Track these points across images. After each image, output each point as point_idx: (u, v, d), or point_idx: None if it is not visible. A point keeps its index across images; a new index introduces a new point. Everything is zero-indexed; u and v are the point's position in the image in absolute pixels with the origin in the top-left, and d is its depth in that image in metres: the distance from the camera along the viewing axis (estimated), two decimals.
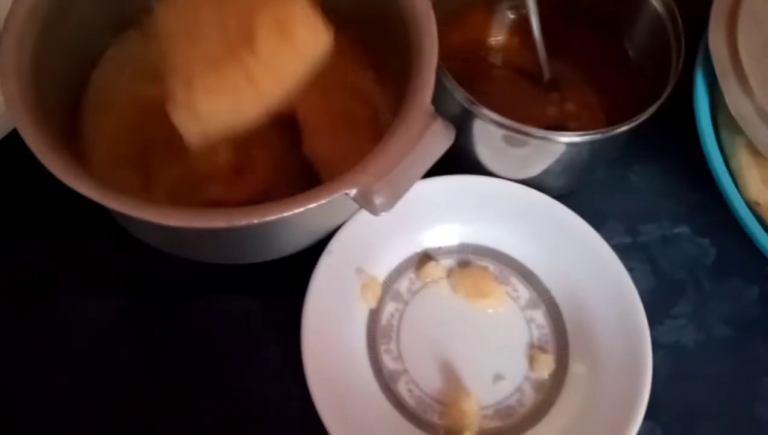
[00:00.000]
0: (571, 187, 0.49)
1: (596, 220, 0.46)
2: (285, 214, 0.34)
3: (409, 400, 0.43)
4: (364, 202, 0.35)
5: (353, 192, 0.35)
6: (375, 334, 0.45)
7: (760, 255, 0.44)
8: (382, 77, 0.47)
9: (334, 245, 0.44)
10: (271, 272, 0.45)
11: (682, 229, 0.50)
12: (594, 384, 0.42)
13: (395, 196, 0.36)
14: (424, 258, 0.47)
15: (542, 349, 0.44)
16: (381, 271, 0.46)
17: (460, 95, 0.42)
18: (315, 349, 0.41)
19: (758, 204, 0.45)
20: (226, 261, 0.44)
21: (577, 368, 0.44)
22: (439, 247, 0.48)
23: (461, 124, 0.43)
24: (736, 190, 0.45)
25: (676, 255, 0.49)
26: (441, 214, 0.47)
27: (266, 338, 0.44)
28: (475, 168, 0.48)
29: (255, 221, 0.34)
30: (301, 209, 0.35)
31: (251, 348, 0.44)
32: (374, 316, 0.45)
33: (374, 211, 0.36)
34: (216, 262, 0.44)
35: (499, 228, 0.47)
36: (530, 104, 0.49)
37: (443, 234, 0.47)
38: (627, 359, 0.42)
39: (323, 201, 0.35)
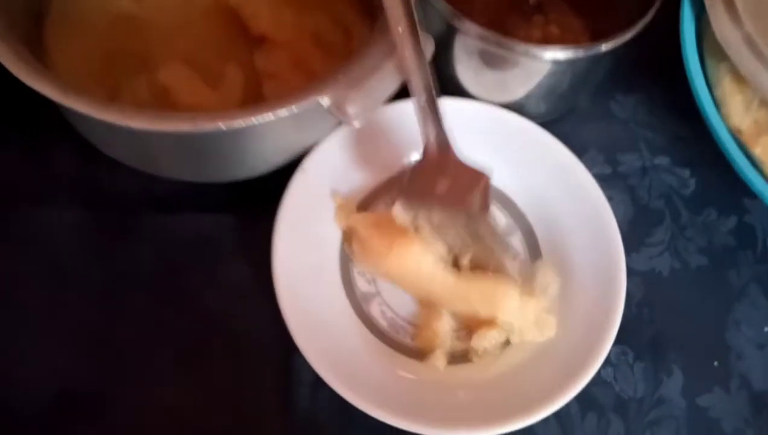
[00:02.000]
0: (552, 115, 0.48)
1: (577, 150, 0.45)
2: (254, 121, 0.33)
3: (382, 321, 0.42)
4: (338, 110, 0.34)
5: (326, 100, 0.34)
6: (348, 255, 0.44)
7: (738, 186, 0.44)
8: (367, 11, 0.45)
9: (308, 164, 0.43)
10: (243, 192, 0.44)
11: (663, 160, 0.50)
12: (567, 308, 0.42)
13: (370, 105, 0.35)
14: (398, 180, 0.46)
15: None
16: (356, 193, 0.45)
17: (442, 6, 0.40)
18: (286, 268, 0.40)
19: (740, 132, 0.44)
20: (193, 177, 0.43)
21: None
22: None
23: (443, 44, 0.42)
24: (719, 117, 0.44)
25: (655, 185, 0.48)
26: (419, 137, 0.46)
27: (235, 258, 0.43)
28: (456, 91, 0.46)
29: (222, 126, 0.33)
30: (272, 117, 0.33)
31: (219, 267, 0.43)
32: (348, 239, 0.44)
33: (348, 120, 0.34)
34: (183, 178, 0.43)
35: (478, 152, 0.46)
36: (514, 26, 0.48)
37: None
38: (601, 284, 0.41)
39: (295, 108, 0.33)
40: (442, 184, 0.38)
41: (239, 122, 0.33)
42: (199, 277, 0.42)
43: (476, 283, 0.41)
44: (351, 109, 0.34)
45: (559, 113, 0.49)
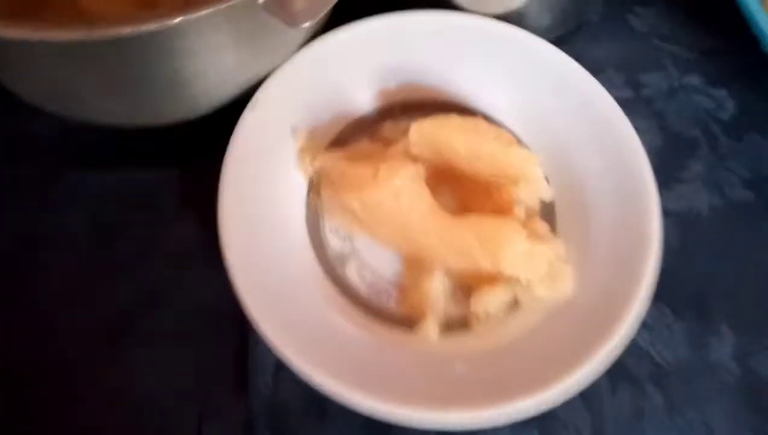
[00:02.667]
0: (559, 31, 0.40)
1: (591, 71, 0.37)
2: (169, 22, 0.25)
3: (361, 286, 0.34)
4: (278, 7, 0.26)
5: None
6: (317, 209, 0.36)
7: None
8: None
9: (261, 96, 0.35)
10: (185, 139, 0.36)
11: (693, 79, 0.41)
12: (585, 264, 0.34)
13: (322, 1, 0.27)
14: (379, 117, 0.38)
15: None
16: (325, 132, 0.37)
17: None
18: (238, 229, 0.32)
19: None
20: (125, 119, 0.34)
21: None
22: (398, 103, 0.38)
23: None
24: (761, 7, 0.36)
25: (685, 109, 0.40)
26: (399, 61, 0.38)
27: (178, 219, 0.35)
28: (443, 3, 0.38)
29: (127, 31, 0.25)
30: (192, 15, 0.25)
31: (158, 230, 0.35)
32: (316, 188, 0.36)
33: (293, 21, 0.26)
34: (113, 122, 0.35)
35: (471, 78, 0.38)
36: None
37: (402, 87, 0.38)
38: (627, 226, 0.33)
39: (221, 4, 0.25)
40: None
41: (150, 25, 0.25)
42: (133, 243, 0.35)
43: (474, 224, 0.33)
44: (298, 4, 0.26)
45: (566, 28, 0.41)
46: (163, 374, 0.32)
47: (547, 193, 0.35)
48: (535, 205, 0.35)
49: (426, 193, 0.33)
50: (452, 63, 0.38)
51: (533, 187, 0.34)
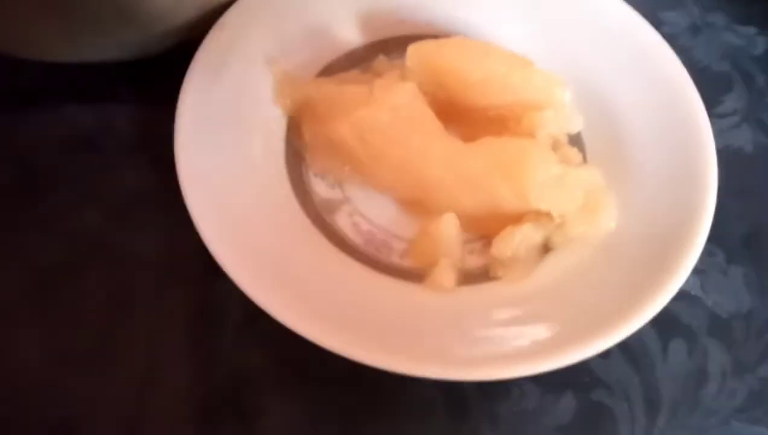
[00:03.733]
0: None
1: None
2: None
3: (355, 237, 0.29)
4: None
5: None
6: (299, 150, 0.30)
7: None
8: None
9: (228, 18, 0.30)
10: (138, 74, 0.31)
11: (717, 18, 0.37)
12: (626, 199, 0.28)
13: None
14: (370, 52, 0.33)
15: None
16: (306, 65, 0.32)
17: None
18: (198, 170, 0.26)
19: None
20: (62, 52, 0.29)
21: None
22: (393, 38, 0.33)
23: None
24: None
25: (713, 46, 0.36)
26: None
27: (132, 160, 0.29)
28: None
29: None
30: None
31: (109, 172, 0.29)
32: (297, 127, 0.31)
33: None
34: (57, 59, 0.29)
35: (481, 8, 0.33)
36: None
37: (399, 21, 0.33)
38: (676, 165, 0.28)
39: None
40: None
41: None
42: (70, 191, 0.29)
43: (492, 148, 0.27)
44: None
45: None
46: (100, 336, 0.26)
47: (576, 122, 0.30)
48: (562, 136, 0.30)
49: (429, 114, 0.28)
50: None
51: (560, 115, 0.29)
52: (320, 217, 0.29)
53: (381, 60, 0.32)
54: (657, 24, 0.36)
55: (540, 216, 0.27)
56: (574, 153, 0.29)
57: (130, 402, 0.24)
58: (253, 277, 0.24)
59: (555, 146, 0.29)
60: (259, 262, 0.25)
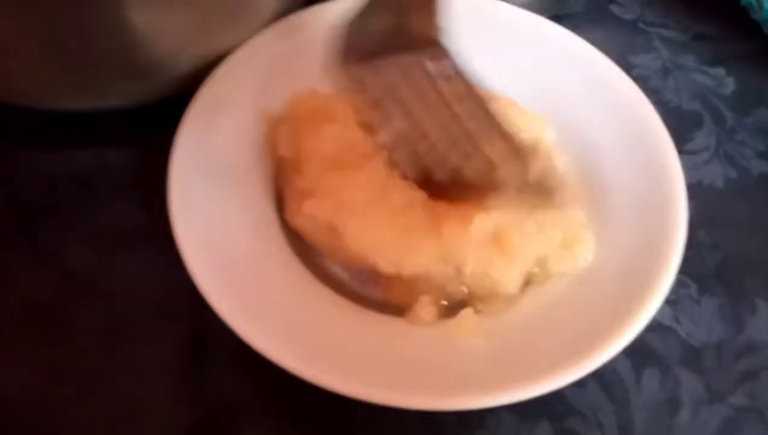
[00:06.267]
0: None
1: None
2: None
3: (340, 272, 0.30)
4: None
5: None
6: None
7: None
8: None
9: (221, 71, 0.32)
10: (139, 121, 0.32)
11: (687, 60, 0.39)
12: (603, 234, 0.30)
13: None
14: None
15: None
16: None
17: None
18: (192, 213, 0.28)
19: None
20: (62, 101, 0.31)
21: None
22: None
23: None
24: None
25: (683, 86, 0.38)
26: None
27: (125, 201, 0.31)
28: None
29: None
30: None
31: (102, 211, 0.30)
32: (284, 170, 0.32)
33: None
34: (56, 106, 0.31)
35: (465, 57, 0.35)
36: None
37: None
38: (649, 201, 0.30)
39: None
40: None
41: None
42: (62, 227, 0.30)
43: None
44: None
45: (548, 14, 0.39)
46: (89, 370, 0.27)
47: (561, 160, 0.31)
48: None
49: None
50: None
51: (545, 154, 0.31)
52: (308, 256, 0.30)
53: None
54: (628, 67, 0.38)
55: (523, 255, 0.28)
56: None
57: (118, 434, 0.25)
58: (240, 313, 0.25)
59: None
60: (247, 299, 0.26)
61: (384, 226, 0.28)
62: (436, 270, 0.28)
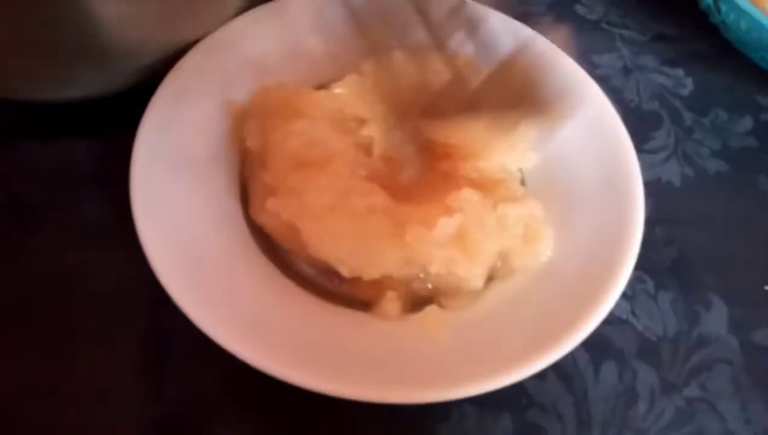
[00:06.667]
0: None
1: None
2: None
3: (306, 269, 0.30)
4: None
5: None
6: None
7: (750, 84, 0.36)
8: None
9: (186, 61, 0.31)
10: (103, 111, 0.32)
11: (648, 60, 0.40)
12: (562, 230, 0.30)
13: None
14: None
15: None
16: None
17: None
18: (152, 203, 0.27)
19: None
20: (24, 92, 0.30)
21: None
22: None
23: None
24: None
25: (644, 86, 0.39)
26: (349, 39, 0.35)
27: (90, 194, 0.31)
28: None
29: None
30: None
31: (67, 205, 0.30)
32: (249, 163, 0.32)
33: None
34: (22, 97, 0.30)
35: None
36: None
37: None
38: (608, 197, 0.30)
39: None
40: None
41: None
42: (29, 220, 0.30)
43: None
44: None
45: (512, 14, 0.39)
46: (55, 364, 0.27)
47: (531, 158, 0.32)
48: (516, 172, 0.32)
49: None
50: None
51: (520, 151, 0.32)
52: (273, 251, 0.30)
53: None
54: (591, 66, 0.39)
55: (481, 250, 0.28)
56: (518, 187, 0.31)
57: (83, 428, 0.25)
58: (202, 308, 0.25)
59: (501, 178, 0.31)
60: (210, 294, 0.26)
61: (345, 232, 0.28)
62: (399, 272, 0.28)
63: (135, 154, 0.28)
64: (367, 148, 0.32)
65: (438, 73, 0.31)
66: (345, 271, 0.28)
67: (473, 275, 0.28)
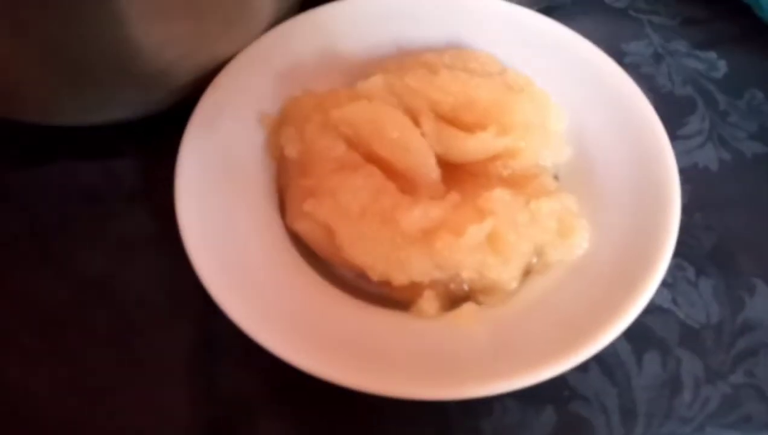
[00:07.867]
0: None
1: None
2: None
3: (346, 273, 0.31)
4: None
5: None
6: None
7: None
8: None
9: (222, 78, 0.32)
10: (143, 131, 0.33)
11: (679, 45, 0.39)
12: (597, 221, 0.30)
13: None
14: None
15: None
16: None
17: None
18: (199, 218, 0.28)
19: None
20: (67, 117, 0.32)
21: None
22: None
23: None
24: None
25: (676, 71, 0.38)
26: (379, 39, 0.36)
27: (133, 209, 0.32)
28: None
29: None
30: None
31: (112, 220, 0.31)
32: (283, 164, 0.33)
33: None
34: (61, 122, 0.32)
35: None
36: None
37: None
38: (642, 186, 0.30)
39: None
40: None
41: None
42: (77, 238, 0.31)
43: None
44: None
45: (539, 6, 0.39)
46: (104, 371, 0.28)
47: (566, 152, 0.32)
48: (549, 166, 0.32)
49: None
50: (437, 38, 0.36)
51: (554, 145, 0.32)
52: (313, 256, 0.31)
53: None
54: (620, 55, 0.39)
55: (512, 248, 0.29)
56: (551, 181, 0.31)
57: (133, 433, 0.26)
58: (249, 315, 0.26)
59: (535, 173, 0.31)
60: (255, 300, 0.27)
61: (375, 237, 0.28)
62: (429, 277, 0.29)
63: (179, 167, 0.30)
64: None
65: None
66: (374, 276, 0.28)
67: (508, 278, 0.28)
